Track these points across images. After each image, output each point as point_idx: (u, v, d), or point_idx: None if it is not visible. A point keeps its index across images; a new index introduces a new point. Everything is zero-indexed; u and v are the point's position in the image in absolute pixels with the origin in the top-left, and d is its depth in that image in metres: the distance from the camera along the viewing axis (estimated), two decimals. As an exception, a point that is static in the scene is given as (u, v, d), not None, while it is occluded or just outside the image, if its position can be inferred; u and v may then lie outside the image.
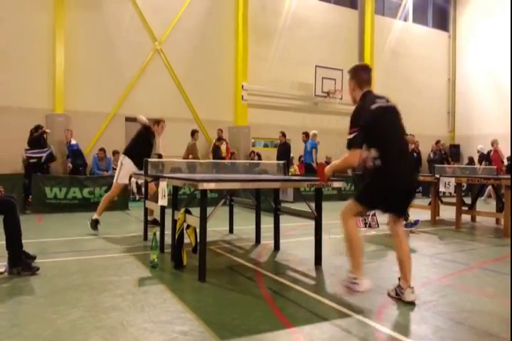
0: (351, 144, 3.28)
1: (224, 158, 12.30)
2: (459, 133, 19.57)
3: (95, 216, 6.47)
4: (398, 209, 3.44)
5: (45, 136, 10.10)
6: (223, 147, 12.63)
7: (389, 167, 3.22)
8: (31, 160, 9.69)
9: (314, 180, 4.47)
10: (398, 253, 3.44)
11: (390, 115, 3.34)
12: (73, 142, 11.00)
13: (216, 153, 12.40)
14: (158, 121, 7.15)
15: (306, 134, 12.62)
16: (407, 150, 3.48)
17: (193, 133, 11.94)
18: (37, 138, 9.90)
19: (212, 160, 11.04)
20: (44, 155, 9.81)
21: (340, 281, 3.37)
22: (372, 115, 3.23)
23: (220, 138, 12.67)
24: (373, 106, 3.24)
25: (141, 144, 6.82)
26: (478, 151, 15.05)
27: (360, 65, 3.60)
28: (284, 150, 12.29)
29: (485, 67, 18.23)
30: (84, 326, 2.82)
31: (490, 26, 18.01)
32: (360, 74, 3.45)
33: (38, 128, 10.14)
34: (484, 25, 18.29)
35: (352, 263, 3.30)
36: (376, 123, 3.23)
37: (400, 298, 3.38)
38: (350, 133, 3.28)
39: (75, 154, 10.93)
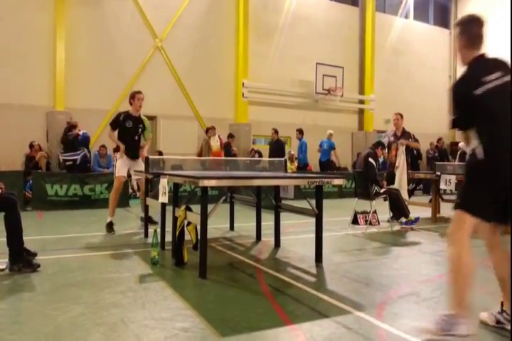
0: (454, 126, 2.72)
1: (235, 156, 12.29)
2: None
3: (108, 218, 6.32)
4: (507, 214, 2.61)
5: (78, 138, 10.27)
6: (217, 143, 12.57)
7: (497, 158, 2.47)
8: (67, 163, 9.98)
9: (315, 177, 4.48)
10: (501, 270, 2.68)
11: (504, 98, 2.52)
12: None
13: (228, 150, 12.42)
14: (132, 95, 6.66)
15: (300, 131, 12.51)
16: None
17: (207, 130, 11.96)
18: (71, 141, 10.15)
19: (223, 158, 11.05)
20: (79, 157, 10.13)
21: (435, 320, 2.51)
22: (476, 102, 2.50)
23: (231, 136, 12.70)
24: (479, 91, 2.48)
25: (120, 135, 6.62)
26: (459, 148, 14.89)
27: (471, 16, 2.76)
28: (277, 147, 12.26)
29: (486, 65, 18.19)
30: (85, 323, 2.82)
31: (491, 24, 17.94)
32: (471, 28, 2.70)
33: (71, 127, 10.31)
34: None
35: (454, 298, 2.49)
36: (481, 111, 2.51)
37: (504, 326, 2.74)
38: (452, 113, 2.66)
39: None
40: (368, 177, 6.77)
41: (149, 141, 7.00)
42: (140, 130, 6.66)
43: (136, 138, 6.65)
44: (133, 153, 6.61)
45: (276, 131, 12.28)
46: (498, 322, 2.78)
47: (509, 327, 2.71)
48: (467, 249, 2.47)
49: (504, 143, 2.47)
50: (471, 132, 2.60)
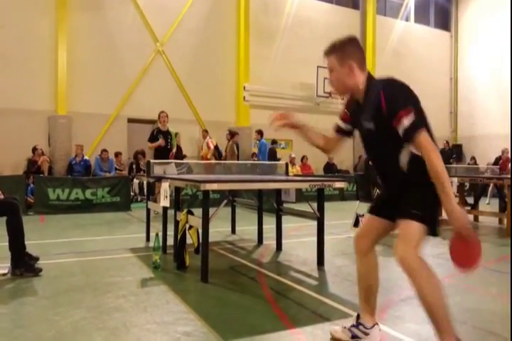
0: (418, 126, 2.13)
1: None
2: (461, 133, 19.54)
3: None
4: None
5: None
6: (205, 146, 12.57)
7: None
8: None
9: (316, 181, 4.47)
10: (369, 277, 2.70)
11: None
12: (86, 157, 11.12)
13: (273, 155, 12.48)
14: (158, 115, 8.65)
15: (259, 132, 12.21)
16: None
17: (232, 135, 12.01)
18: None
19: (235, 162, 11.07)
20: (185, 170, 10.95)
21: None
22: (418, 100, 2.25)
23: (274, 142, 12.76)
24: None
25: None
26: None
27: (348, 38, 2.38)
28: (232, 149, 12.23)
29: (487, 67, 18.19)
30: (87, 327, 2.82)
31: (492, 26, 17.97)
32: (356, 50, 2.36)
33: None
34: (486, 25, 18.25)
35: (440, 328, 2.14)
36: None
37: (360, 340, 2.53)
38: (407, 114, 2.11)
39: (85, 169, 10.99)
40: (369, 180, 6.77)
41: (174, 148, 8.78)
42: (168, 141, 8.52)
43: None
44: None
45: (230, 133, 11.89)
46: (353, 337, 2.55)
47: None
48: (430, 269, 2.41)
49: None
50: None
